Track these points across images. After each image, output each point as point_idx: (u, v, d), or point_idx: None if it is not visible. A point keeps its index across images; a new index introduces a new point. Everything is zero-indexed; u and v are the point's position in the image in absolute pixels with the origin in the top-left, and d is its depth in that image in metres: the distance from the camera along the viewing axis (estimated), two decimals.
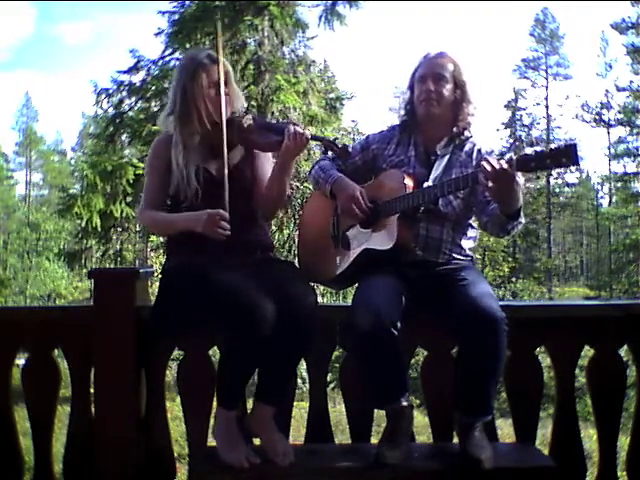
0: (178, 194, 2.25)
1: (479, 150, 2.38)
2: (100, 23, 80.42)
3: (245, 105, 2.37)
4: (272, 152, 2.43)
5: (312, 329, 2.12)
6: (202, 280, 2.12)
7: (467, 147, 2.39)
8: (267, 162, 2.40)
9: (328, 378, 2.52)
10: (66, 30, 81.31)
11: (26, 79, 76.79)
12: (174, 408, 3.98)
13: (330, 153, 2.37)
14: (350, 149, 2.33)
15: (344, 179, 2.38)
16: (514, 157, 2.04)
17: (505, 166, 1.99)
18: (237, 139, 2.26)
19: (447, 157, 2.34)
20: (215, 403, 2.26)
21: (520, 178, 2.03)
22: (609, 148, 33.50)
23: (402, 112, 2.47)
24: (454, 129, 2.37)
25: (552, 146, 2.03)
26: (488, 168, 2.00)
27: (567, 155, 1.93)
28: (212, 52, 2.32)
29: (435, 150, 2.38)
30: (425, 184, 2.25)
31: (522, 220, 2.21)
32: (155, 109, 11.83)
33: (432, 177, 2.29)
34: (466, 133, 2.39)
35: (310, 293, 2.15)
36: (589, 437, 4.34)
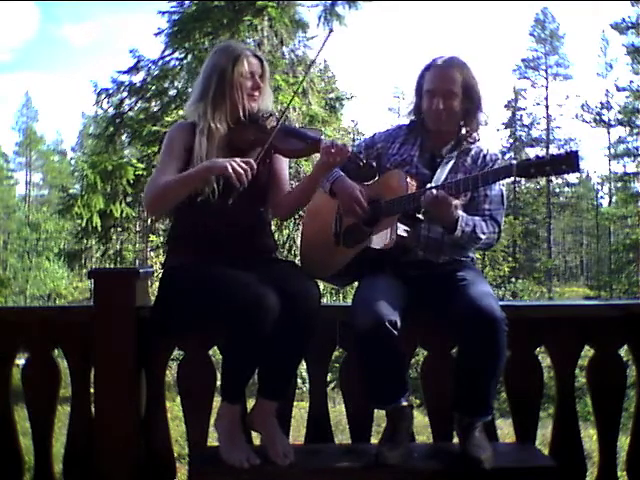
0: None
1: (484, 156, 2.38)
2: (101, 23, 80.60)
3: (271, 107, 2.34)
4: (291, 158, 2.42)
5: (315, 323, 2.11)
6: (203, 279, 2.12)
7: (473, 152, 2.39)
8: (285, 165, 2.39)
9: (328, 378, 2.52)
10: (68, 31, 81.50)
11: (26, 79, 76.89)
12: (174, 408, 3.98)
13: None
14: (374, 164, 2.31)
15: (345, 178, 2.37)
16: (514, 162, 2.05)
17: (449, 199, 2.11)
18: (259, 140, 2.22)
19: (452, 161, 2.34)
20: (215, 403, 2.26)
21: (457, 201, 2.14)
22: (609, 148, 33.58)
23: (412, 116, 2.45)
24: (462, 131, 2.37)
25: (553, 153, 2.03)
26: (430, 199, 2.12)
27: (568, 163, 1.93)
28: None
29: (441, 153, 2.38)
30: (428, 186, 2.25)
31: (481, 236, 2.23)
32: (155, 109, 11.85)
33: (435, 179, 2.29)
34: (473, 135, 2.39)
35: (313, 287, 2.14)
36: (589, 437, 4.34)
